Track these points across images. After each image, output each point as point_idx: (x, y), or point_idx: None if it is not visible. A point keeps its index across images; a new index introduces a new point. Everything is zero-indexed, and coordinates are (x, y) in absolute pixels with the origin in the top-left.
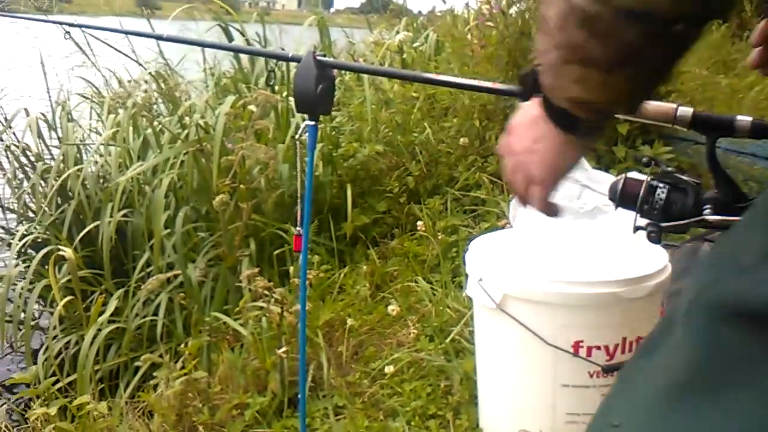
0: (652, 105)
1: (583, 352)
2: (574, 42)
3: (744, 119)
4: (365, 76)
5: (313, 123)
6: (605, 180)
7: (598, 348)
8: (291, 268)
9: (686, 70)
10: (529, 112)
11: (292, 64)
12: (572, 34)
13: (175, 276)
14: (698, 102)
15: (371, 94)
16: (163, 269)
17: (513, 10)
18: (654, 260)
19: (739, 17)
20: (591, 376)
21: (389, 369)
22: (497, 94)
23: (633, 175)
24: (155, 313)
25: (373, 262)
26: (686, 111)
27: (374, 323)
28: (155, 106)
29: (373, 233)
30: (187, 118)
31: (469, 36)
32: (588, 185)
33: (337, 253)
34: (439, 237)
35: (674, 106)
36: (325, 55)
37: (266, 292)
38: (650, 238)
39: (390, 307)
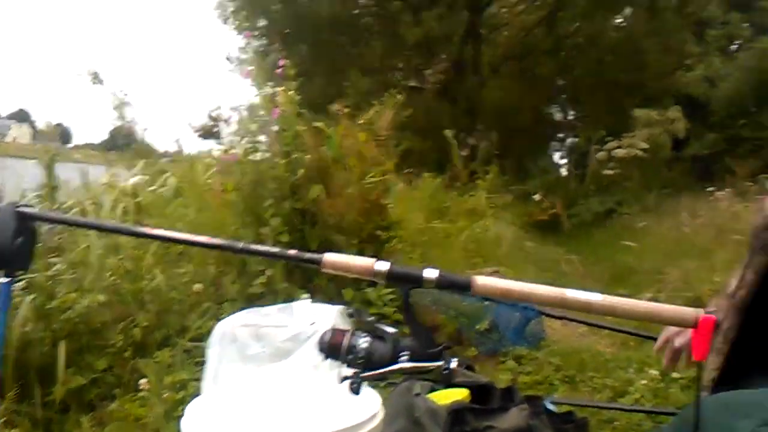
0: (355, 260)
1: None
2: None
3: (431, 273)
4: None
5: (7, 280)
6: (292, 310)
7: None
8: None
9: (408, 216)
10: None
11: None
12: None
13: None
14: (419, 245)
15: (97, 238)
16: None
17: (250, 158)
18: (365, 406)
19: (451, 170)
20: None
21: None
22: (227, 251)
23: (339, 326)
24: None
25: None
26: (383, 265)
27: None
28: None
29: (91, 395)
30: None
31: (210, 181)
32: (265, 324)
33: (43, 423)
34: (165, 395)
35: (372, 261)
36: (28, 206)
37: None
38: (351, 389)
39: None
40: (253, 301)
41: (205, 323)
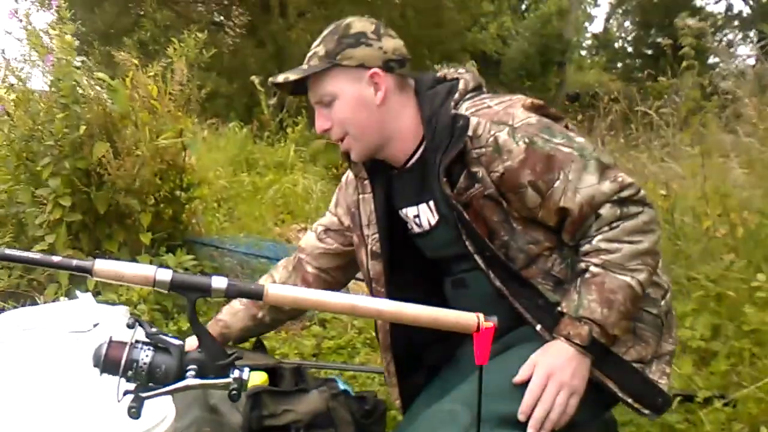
0: (131, 268)
1: None
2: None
3: (220, 282)
4: None
5: None
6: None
7: None
8: None
9: (212, 172)
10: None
11: None
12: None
13: None
14: (225, 200)
15: None
16: None
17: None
18: (155, 409)
19: (259, 119)
20: None
21: None
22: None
23: (118, 338)
24: None
25: None
26: (165, 274)
27: None
28: None
29: None
30: None
31: None
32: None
33: None
34: None
35: (153, 270)
36: None
37: None
38: (131, 414)
39: None
40: (32, 269)
41: None
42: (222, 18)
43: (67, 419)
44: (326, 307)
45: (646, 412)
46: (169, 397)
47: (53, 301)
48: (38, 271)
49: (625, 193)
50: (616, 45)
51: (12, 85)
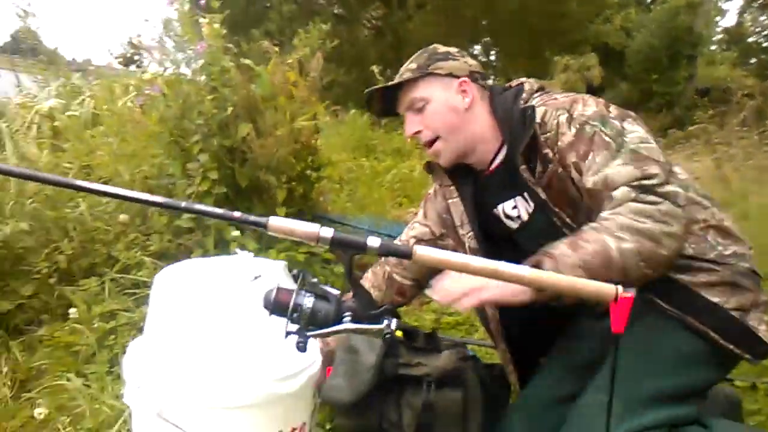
0: (300, 225)
1: None
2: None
3: (374, 241)
4: (5, 134)
5: None
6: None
7: None
8: None
9: (335, 156)
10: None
11: None
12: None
13: None
14: (346, 182)
15: (14, 162)
16: None
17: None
18: (305, 354)
19: None
20: None
21: None
22: (170, 210)
23: (284, 283)
24: None
25: (15, 356)
26: (327, 232)
27: (17, 429)
28: None
29: (17, 321)
30: None
31: (129, 104)
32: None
33: None
34: (96, 324)
35: (317, 228)
36: None
37: None
38: (298, 347)
39: (37, 410)
40: (181, 233)
41: (132, 255)
42: (342, 10)
43: (240, 354)
44: (469, 269)
45: (748, 356)
46: (317, 345)
47: None
48: (185, 237)
49: (646, 182)
50: (750, 40)
51: (166, 68)
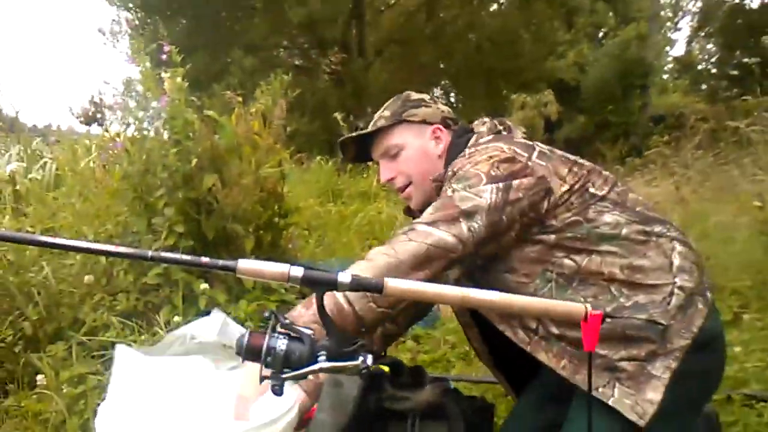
0: (269, 266)
1: None
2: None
3: (345, 277)
4: None
5: None
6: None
7: None
8: None
9: (302, 202)
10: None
11: None
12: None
13: None
14: (314, 228)
15: None
16: None
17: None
18: (282, 399)
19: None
20: None
21: None
22: (137, 260)
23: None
24: None
25: None
26: (298, 271)
27: None
28: None
29: None
30: None
31: (92, 164)
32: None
33: None
34: (64, 390)
35: (287, 268)
36: None
37: None
38: (274, 391)
39: None
40: (148, 291)
41: (99, 316)
42: (302, 62)
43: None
44: (442, 299)
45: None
46: (293, 390)
47: (167, 321)
48: (152, 294)
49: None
50: (699, 67)
51: (128, 125)
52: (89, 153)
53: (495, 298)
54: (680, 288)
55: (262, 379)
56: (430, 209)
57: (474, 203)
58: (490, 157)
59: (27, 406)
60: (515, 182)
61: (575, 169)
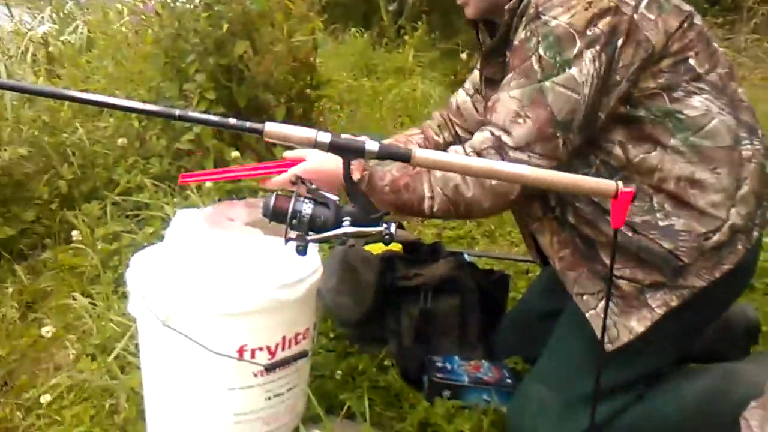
0: (296, 130)
1: (247, 354)
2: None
3: (372, 145)
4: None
5: None
6: None
7: (261, 349)
8: None
9: (335, 75)
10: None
11: None
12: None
13: None
14: (347, 103)
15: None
16: None
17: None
18: (307, 263)
19: (379, 26)
20: (255, 375)
21: (45, 398)
22: (163, 117)
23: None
24: None
25: (21, 279)
26: (325, 137)
27: (26, 348)
28: None
29: (20, 246)
30: None
31: (124, 29)
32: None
33: None
34: (99, 246)
35: (314, 133)
36: None
37: None
38: (298, 251)
39: (44, 329)
40: (181, 156)
41: (132, 177)
42: None
43: (243, 263)
44: (468, 170)
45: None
46: (318, 254)
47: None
48: (184, 159)
49: (505, 138)
50: None
51: None
52: (121, 17)
53: (525, 172)
54: (730, 227)
55: (287, 240)
56: (515, 95)
57: (571, 106)
58: (589, 3)
59: (63, 259)
60: (618, 51)
61: (685, 25)
